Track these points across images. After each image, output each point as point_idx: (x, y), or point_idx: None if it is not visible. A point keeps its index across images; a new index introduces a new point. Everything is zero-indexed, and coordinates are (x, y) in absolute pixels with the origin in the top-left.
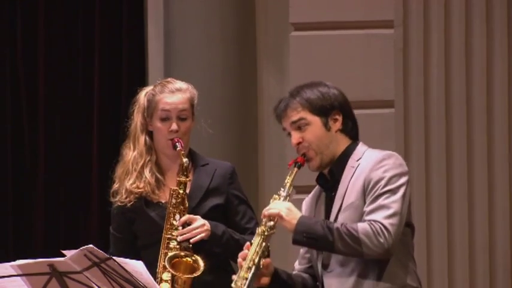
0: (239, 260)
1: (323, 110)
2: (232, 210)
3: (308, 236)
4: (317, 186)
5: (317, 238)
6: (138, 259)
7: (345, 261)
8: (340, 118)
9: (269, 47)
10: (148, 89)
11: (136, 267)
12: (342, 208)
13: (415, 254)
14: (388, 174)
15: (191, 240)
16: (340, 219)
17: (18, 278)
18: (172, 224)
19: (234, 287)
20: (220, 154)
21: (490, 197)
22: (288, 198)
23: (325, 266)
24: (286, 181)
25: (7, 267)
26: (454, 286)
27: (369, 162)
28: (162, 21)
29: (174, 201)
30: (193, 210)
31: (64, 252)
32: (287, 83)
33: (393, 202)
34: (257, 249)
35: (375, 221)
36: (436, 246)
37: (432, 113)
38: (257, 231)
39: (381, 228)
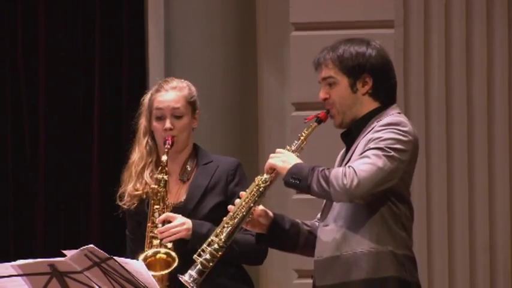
0: (229, 206)
1: (352, 71)
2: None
3: (294, 177)
4: None
5: (301, 179)
6: None
7: (337, 217)
8: (370, 81)
9: (269, 47)
10: (150, 91)
11: (136, 267)
12: (349, 160)
13: (416, 253)
14: (386, 136)
15: (168, 239)
16: None
17: (19, 277)
18: (153, 222)
19: (215, 232)
20: (221, 153)
21: (490, 197)
22: (297, 152)
23: (322, 220)
24: (301, 134)
25: (7, 267)
26: (455, 286)
27: (379, 123)
28: (163, 21)
29: (154, 199)
30: (192, 211)
31: (64, 252)
32: (287, 83)
33: (377, 157)
34: (248, 199)
35: (349, 166)
36: (437, 247)
37: (432, 113)
38: (254, 180)
39: (349, 172)
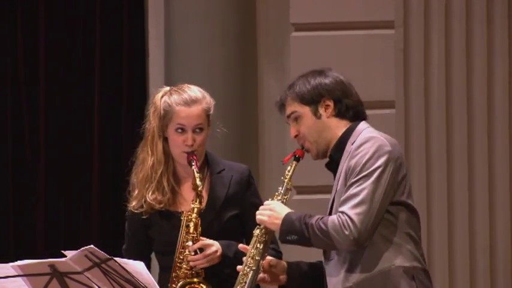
0: (238, 267)
1: (311, 99)
2: (249, 218)
3: (290, 235)
4: None
5: (298, 236)
6: (149, 258)
7: (339, 251)
8: (331, 103)
9: (269, 48)
10: (164, 92)
11: (137, 267)
12: (335, 194)
13: None
14: (363, 160)
15: (201, 266)
16: (334, 207)
17: (19, 278)
18: (184, 248)
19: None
20: (221, 154)
21: (490, 198)
22: (286, 195)
23: (326, 255)
24: (284, 176)
25: (8, 268)
26: (455, 287)
27: (353, 148)
28: (163, 21)
29: (186, 226)
30: (212, 222)
31: (65, 252)
32: (287, 83)
33: (363, 189)
34: (253, 253)
35: (342, 212)
36: (437, 247)
37: (433, 113)
38: (253, 234)
39: (346, 220)
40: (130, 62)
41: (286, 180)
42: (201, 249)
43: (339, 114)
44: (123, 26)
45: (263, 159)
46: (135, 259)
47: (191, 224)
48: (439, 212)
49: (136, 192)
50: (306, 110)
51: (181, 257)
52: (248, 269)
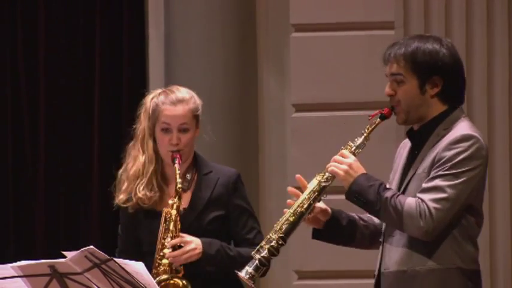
0: (288, 201)
1: (423, 71)
2: (233, 220)
3: (359, 198)
4: None
5: (366, 202)
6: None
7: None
8: (440, 84)
9: (270, 48)
10: (154, 93)
11: (137, 268)
12: (414, 175)
13: None
14: (458, 157)
15: (180, 263)
16: (410, 187)
17: (19, 279)
18: (163, 245)
19: (274, 228)
20: (220, 155)
21: (490, 198)
22: (359, 148)
23: (388, 229)
24: (364, 130)
25: (8, 269)
26: None
27: (448, 138)
28: (163, 22)
29: (165, 223)
30: (192, 223)
31: (65, 253)
32: (288, 84)
33: (450, 186)
34: (310, 195)
35: (423, 201)
36: None
37: None
38: (315, 177)
39: (425, 210)
40: (130, 63)
41: (365, 134)
42: (181, 246)
43: (443, 96)
44: (123, 27)
45: (263, 159)
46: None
47: (170, 221)
48: None
49: (125, 185)
50: (413, 79)
51: (161, 254)
52: (298, 210)
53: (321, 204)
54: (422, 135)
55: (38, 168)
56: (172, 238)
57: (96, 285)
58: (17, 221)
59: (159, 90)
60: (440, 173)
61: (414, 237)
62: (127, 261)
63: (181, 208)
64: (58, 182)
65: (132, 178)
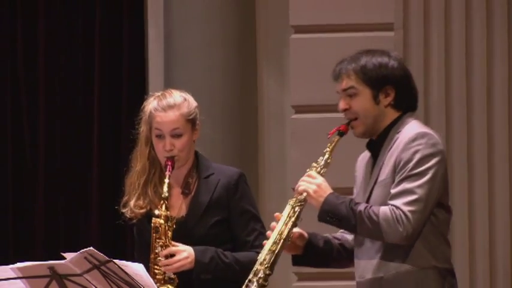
0: (268, 232)
1: (375, 82)
2: (233, 222)
3: (332, 216)
4: None
5: (340, 219)
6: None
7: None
8: (392, 93)
9: (269, 49)
10: (152, 97)
11: (136, 269)
12: (377, 182)
13: None
14: (417, 156)
15: (172, 271)
16: (374, 194)
17: (19, 280)
18: (156, 254)
19: (258, 260)
20: (220, 156)
21: (490, 199)
22: (325, 168)
23: (358, 239)
24: (326, 149)
25: (7, 270)
26: None
27: (403, 139)
28: (162, 23)
29: (156, 233)
30: (193, 229)
31: (64, 254)
32: (287, 85)
33: (418, 187)
34: (286, 221)
35: (396, 207)
36: None
37: (432, 115)
38: (288, 203)
39: (401, 215)
40: (130, 64)
41: (327, 154)
42: (174, 255)
43: (396, 105)
44: (123, 27)
45: (263, 160)
46: (140, 259)
47: (160, 230)
48: None
49: (126, 198)
50: (366, 91)
51: (154, 263)
52: (279, 238)
53: (296, 229)
54: (379, 143)
55: (37, 169)
56: (163, 248)
57: (96, 287)
58: (16, 222)
59: (157, 94)
60: (405, 175)
61: (394, 243)
62: (126, 262)
63: (181, 215)
64: (58, 183)
65: (129, 189)
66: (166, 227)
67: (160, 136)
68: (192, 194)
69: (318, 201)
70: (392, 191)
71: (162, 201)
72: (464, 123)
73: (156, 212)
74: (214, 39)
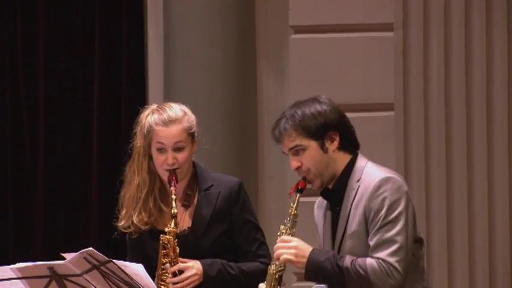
0: None
1: (318, 132)
2: (235, 232)
3: (319, 276)
4: None
5: (329, 277)
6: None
7: None
8: (337, 137)
9: (269, 50)
10: (149, 111)
11: (136, 270)
12: (346, 233)
13: None
14: (387, 202)
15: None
16: (347, 246)
17: (18, 281)
18: (163, 270)
19: None
20: (220, 157)
21: (490, 199)
22: (293, 228)
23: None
24: (290, 210)
25: (7, 270)
26: None
27: (367, 188)
28: (162, 23)
29: (163, 249)
30: (197, 243)
31: (64, 255)
32: (287, 86)
33: (396, 234)
34: None
35: (383, 260)
36: (436, 249)
37: (432, 115)
38: (268, 271)
39: (389, 268)
40: (129, 64)
41: (292, 214)
42: (182, 271)
43: (343, 146)
44: (123, 28)
45: (262, 161)
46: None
47: (168, 247)
48: (439, 214)
49: (124, 211)
50: (312, 144)
51: (162, 278)
52: None
53: None
54: (338, 191)
55: (37, 169)
56: (171, 264)
57: (95, 287)
58: (16, 223)
59: (154, 107)
60: (379, 224)
61: None
62: (126, 263)
63: (184, 228)
64: (58, 182)
65: (129, 203)
66: (175, 244)
67: (161, 150)
68: (194, 207)
69: (302, 262)
70: (372, 242)
71: (171, 218)
72: (464, 123)
73: (166, 229)
74: (214, 39)
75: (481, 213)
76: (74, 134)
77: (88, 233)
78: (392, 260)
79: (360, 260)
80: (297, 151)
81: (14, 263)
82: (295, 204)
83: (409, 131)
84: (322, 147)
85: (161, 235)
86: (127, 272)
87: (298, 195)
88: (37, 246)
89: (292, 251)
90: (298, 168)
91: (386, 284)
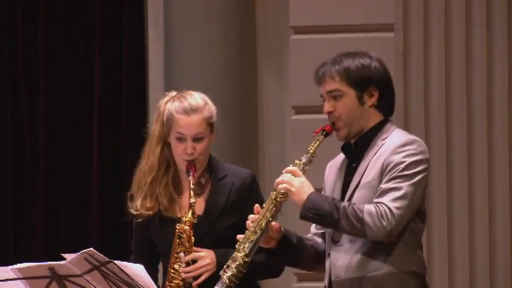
0: (247, 222)
1: (360, 83)
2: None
3: (315, 213)
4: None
5: (323, 215)
6: (158, 260)
7: (354, 238)
8: (376, 94)
9: (269, 50)
10: (169, 97)
11: (136, 270)
12: (360, 184)
13: None
14: (407, 160)
15: (195, 282)
16: (356, 195)
17: (19, 281)
18: (176, 259)
19: (237, 248)
20: (220, 157)
21: (490, 199)
22: (307, 166)
23: (335, 240)
24: (309, 148)
25: (7, 271)
26: None
27: (392, 144)
28: (162, 24)
29: (179, 238)
30: (208, 230)
31: (64, 255)
32: (287, 86)
33: (404, 186)
34: (266, 214)
35: (381, 203)
36: (437, 249)
37: (432, 116)
38: (269, 196)
39: (385, 211)
40: (130, 65)
41: (310, 152)
42: (195, 261)
43: (379, 106)
44: (123, 28)
45: (263, 161)
46: (144, 261)
47: (183, 236)
48: (439, 214)
49: (131, 192)
50: (350, 92)
51: (175, 267)
52: (258, 228)
53: (276, 223)
54: (360, 147)
55: (37, 170)
56: (185, 253)
57: None
58: (16, 223)
59: (174, 94)
60: (394, 175)
61: (376, 240)
62: (127, 263)
63: (195, 216)
64: (58, 183)
65: (135, 188)
66: (191, 234)
67: (181, 139)
68: (207, 196)
69: (301, 198)
70: (380, 190)
71: (189, 207)
72: (464, 123)
73: (184, 218)
74: (214, 40)
75: (482, 213)
76: (75, 134)
77: (88, 233)
78: (391, 204)
79: (359, 204)
80: (334, 96)
81: (14, 263)
82: (315, 144)
83: (410, 132)
84: (360, 99)
85: (177, 224)
86: (127, 272)
87: (321, 137)
88: (37, 246)
89: (297, 183)
90: (330, 113)
91: (379, 226)
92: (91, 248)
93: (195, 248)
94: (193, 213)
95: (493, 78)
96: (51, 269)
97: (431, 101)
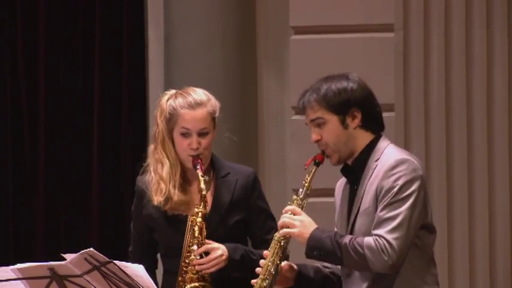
0: (257, 269)
1: (339, 108)
2: (251, 221)
3: (319, 252)
4: None
5: (327, 253)
6: (154, 260)
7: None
8: (359, 115)
9: (269, 51)
10: (170, 95)
11: (136, 270)
12: (359, 211)
13: None
14: (399, 183)
15: (207, 271)
16: (358, 222)
17: (19, 281)
18: (190, 252)
19: None
20: (220, 156)
21: (490, 200)
22: (305, 200)
23: (345, 271)
24: (304, 181)
25: (7, 271)
26: None
27: (383, 166)
28: (162, 24)
29: (191, 231)
30: (217, 227)
31: (64, 255)
32: (287, 87)
33: (400, 213)
34: (274, 258)
35: (380, 236)
36: (437, 250)
37: (432, 116)
38: (274, 238)
39: (384, 244)
40: (130, 65)
41: (306, 185)
42: (207, 253)
43: (365, 125)
44: (123, 29)
45: (263, 161)
46: (140, 261)
47: (196, 228)
48: (439, 215)
49: (161, 187)
50: (333, 118)
51: (187, 261)
52: (267, 275)
53: (285, 262)
54: (356, 169)
55: (37, 170)
56: (198, 246)
57: None
58: (16, 223)
59: (174, 91)
60: (387, 202)
61: (381, 273)
62: (127, 263)
63: (207, 207)
64: (58, 183)
65: (166, 180)
66: (203, 225)
67: (185, 134)
68: (212, 192)
69: (304, 237)
70: (375, 220)
71: (200, 198)
72: (464, 123)
73: (196, 209)
74: (214, 40)
75: (482, 213)
76: (75, 134)
77: (88, 233)
78: (388, 236)
79: (359, 238)
80: (318, 124)
81: (14, 264)
82: (310, 177)
83: (410, 132)
84: (343, 123)
85: (190, 216)
86: (127, 272)
87: (314, 168)
88: (37, 246)
89: (298, 223)
90: (317, 141)
91: (380, 260)
92: (91, 248)
93: (207, 241)
94: (205, 205)
95: (493, 78)
96: (51, 269)
97: (431, 101)
